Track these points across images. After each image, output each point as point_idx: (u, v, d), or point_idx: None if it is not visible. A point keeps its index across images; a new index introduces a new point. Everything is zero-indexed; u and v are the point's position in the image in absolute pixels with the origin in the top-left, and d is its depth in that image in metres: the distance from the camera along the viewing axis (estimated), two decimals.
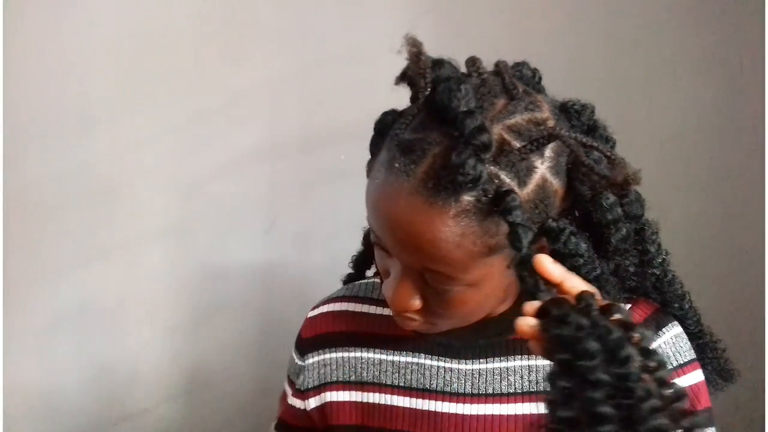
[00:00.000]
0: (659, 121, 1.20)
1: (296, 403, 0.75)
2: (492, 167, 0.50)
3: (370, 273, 0.79)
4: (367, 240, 0.76)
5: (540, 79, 0.62)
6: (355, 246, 0.79)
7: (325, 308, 0.75)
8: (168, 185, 1.24)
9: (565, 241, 0.53)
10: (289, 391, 0.77)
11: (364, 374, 0.70)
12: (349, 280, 0.80)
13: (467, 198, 0.50)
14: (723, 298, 1.14)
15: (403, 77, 0.54)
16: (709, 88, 1.19)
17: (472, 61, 0.56)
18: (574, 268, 0.55)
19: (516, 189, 0.51)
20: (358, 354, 0.71)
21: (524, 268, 0.48)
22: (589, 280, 0.57)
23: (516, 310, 0.65)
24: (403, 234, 0.52)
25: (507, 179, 0.51)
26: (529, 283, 0.47)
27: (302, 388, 0.74)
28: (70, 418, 1.24)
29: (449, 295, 0.55)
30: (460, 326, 0.61)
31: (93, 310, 1.23)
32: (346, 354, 0.71)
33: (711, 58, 1.18)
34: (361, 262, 0.78)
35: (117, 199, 1.22)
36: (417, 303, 0.57)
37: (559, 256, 0.56)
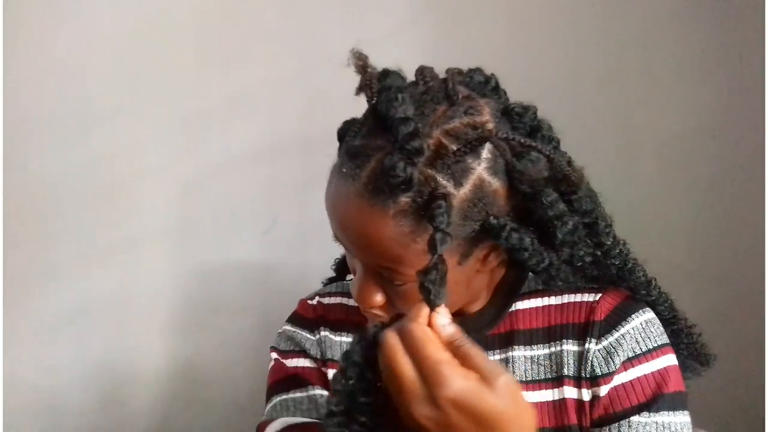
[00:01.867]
0: (659, 121, 1.20)
1: (312, 364, 0.75)
2: (429, 170, 0.53)
3: (350, 277, 0.79)
4: None
5: (496, 84, 0.63)
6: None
7: (322, 299, 0.78)
8: (168, 185, 1.24)
9: (507, 237, 0.56)
10: (313, 366, 0.75)
11: None
12: (330, 281, 0.83)
13: (404, 199, 0.53)
14: (723, 298, 1.14)
15: (360, 88, 0.57)
16: (709, 88, 1.19)
17: (420, 71, 0.59)
18: (522, 261, 0.59)
19: (452, 190, 0.54)
20: (348, 339, 0.73)
21: (427, 272, 0.49)
22: (538, 271, 0.60)
23: (491, 309, 0.68)
24: (353, 235, 0.57)
25: (443, 181, 0.53)
26: (424, 289, 0.49)
27: (322, 358, 0.74)
28: (70, 418, 1.24)
29: (405, 292, 0.58)
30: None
31: (93, 310, 1.23)
32: (338, 338, 0.74)
33: (711, 58, 1.18)
34: (343, 264, 0.81)
35: (117, 199, 1.22)
36: (379, 299, 0.61)
37: (509, 255, 0.59)
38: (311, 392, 0.73)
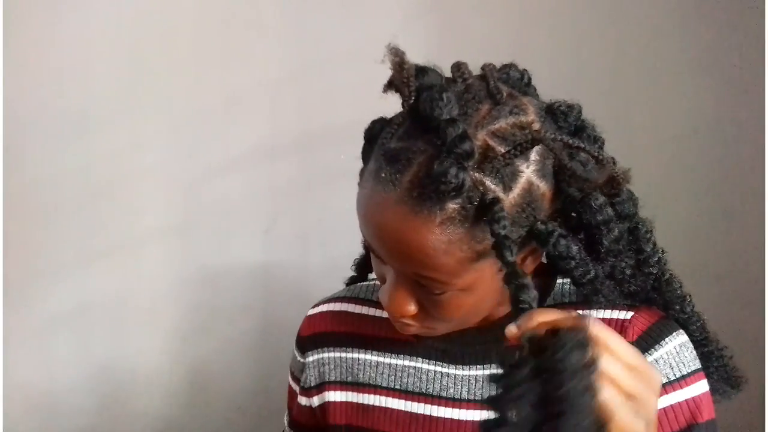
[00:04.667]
0: (660, 121, 1.20)
1: (303, 401, 0.75)
2: (476, 174, 0.50)
3: (372, 275, 0.79)
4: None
5: (529, 80, 0.62)
6: (355, 246, 0.79)
7: (324, 307, 0.76)
8: (168, 185, 1.24)
9: (555, 244, 0.53)
10: (296, 389, 0.77)
11: (360, 375, 0.70)
12: (351, 282, 0.80)
13: (452, 206, 0.50)
14: (723, 299, 1.14)
15: (390, 85, 0.54)
16: (709, 88, 1.19)
17: (457, 67, 0.56)
18: (567, 271, 0.56)
19: (501, 194, 0.51)
20: (355, 355, 0.71)
21: (511, 280, 0.47)
22: (583, 283, 0.57)
23: (514, 318, 0.66)
24: (391, 243, 0.53)
25: (492, 185, 0.51)
26: (516, 294, 0.47)
27: (306, 386, 0.74)
28: (69, 418, 1.24)
29: (443, 300, 0.55)
30: (458, 329, 0.61)
31: (93, 310, 1.23)
32: (343, 354, 0.71)
33: (711, 58, 1.18)
34: (363, 264, 0.79)
35: (117, 199, 1.22)
36: (412, 308, 0.57)
37: (551, 259, 0.56)
38: None
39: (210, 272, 1.26)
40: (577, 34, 1.22)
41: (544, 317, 0.45)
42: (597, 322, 0.44)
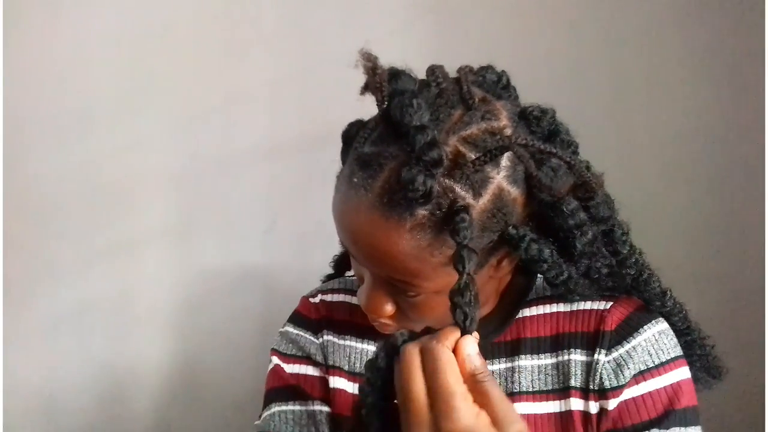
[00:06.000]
0: (660, 121, 1.20)
1: (315, 372, 0.72)
2: (446, 180, 0.50)
3: (350, 273, 0.80)
4: None
5: (508, 82, 0.61)
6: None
7: (325, 297, 0.76)
8: (168, 185, 1.24)
9: (527, 248, 0.54)
10: (317, 374, 0.73)
11: (357, 365, 0.71)
12: (328, 279, 0.81)
13: (422, 212, 0.50)
14: (723, 298, 1.14)
15: (366, 88, 0.54)
16: (709, 88, 1.19)
17: (431, 71, 0.56)
18: (541, 272, 0.57)
19: (471, 201, 0.51)
20: (352, 343, 0.71)
21: (459, 294, 0.47)
22: (557, 284, 0.58)
23: (498, 315, 0.65)
24: (365, 247, 0.54)
25: (462, 192, 0.50)
26: (457, 313, 0.47)
27: (326, 365, 0.72)
28: (69, 418, 1.24)
29: (417, 302, 0.56)
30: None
31: (93, 310, 1.23)
32: (342, 341, 0.72)
33: (711, 58, 1.18)
34: (342, 262, 0.79)
35: (117, 199, 1.22)
36: (389, 309, 0.58)
37: (523, 263, 0.56)
38: (312, 407, 0.70)
39: (210, 272, 1.26)
40: (576, 35, 1.21)
41: (452, 338, 0.47)
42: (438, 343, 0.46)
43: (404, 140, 0.50)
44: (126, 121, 1.21)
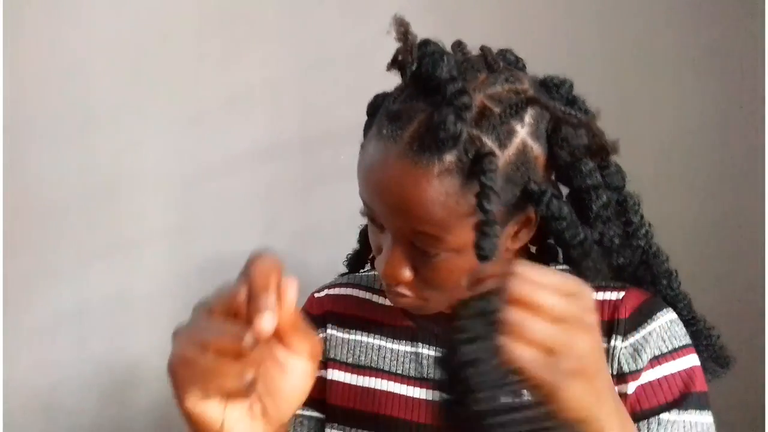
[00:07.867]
0: (659, 121, 1.20)
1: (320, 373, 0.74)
2: (474, 130, 0.53)
3: (363, 271, 0.80)
4: (363, 238, 0.77)
5: (524, 66, 0.64)
6: (355, 246, 0.79)
7: (331, 291, 0.77)
8: (168, 185, 1.24)
9: (548, 203, 0.56)
10: None
11: (362, 358, 0.71)
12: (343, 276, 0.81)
13: (449, 158, 0.52)
14: (723, 298, 1.14)
15: (394, 62, 0.57)
16: (709, 88, 1.19)
17: (458, 44, 0.60)
18: (558, 232, 0.58)
19: (497, 151, 0.53)
20: (358, 337, 0.72)
21: (482, 227, 0.50)
22: (573, 245, 0.59)
23: None
24: (391, 197, 0.55)
25: (488, 142, 0.53)
26: (477, 241, 0.49)
27: (324, 358, 0.73)
28: (69, 418, 1.24)
29: (437, 264, 0.57)
30: (450, 304, 0.61)
31: (93, 310, 1.23)
32: (346, 335, 0.73)
33: (711, 58, 1.18)
34: (356, 260, 0.79)
35: (117, 199, 1.22)
36: (407, 273, 0.59)
37: (543, 220, 0.58)
38: (301, 411, 0.70)
39: (210, 272, 1.26)
40: (576, 34, 1.22)
41: (493, 269, 0.45)
42: (524, 271, 0.43)
43: (435, 92, 0.53)
44: (126, 121, 1.21)
